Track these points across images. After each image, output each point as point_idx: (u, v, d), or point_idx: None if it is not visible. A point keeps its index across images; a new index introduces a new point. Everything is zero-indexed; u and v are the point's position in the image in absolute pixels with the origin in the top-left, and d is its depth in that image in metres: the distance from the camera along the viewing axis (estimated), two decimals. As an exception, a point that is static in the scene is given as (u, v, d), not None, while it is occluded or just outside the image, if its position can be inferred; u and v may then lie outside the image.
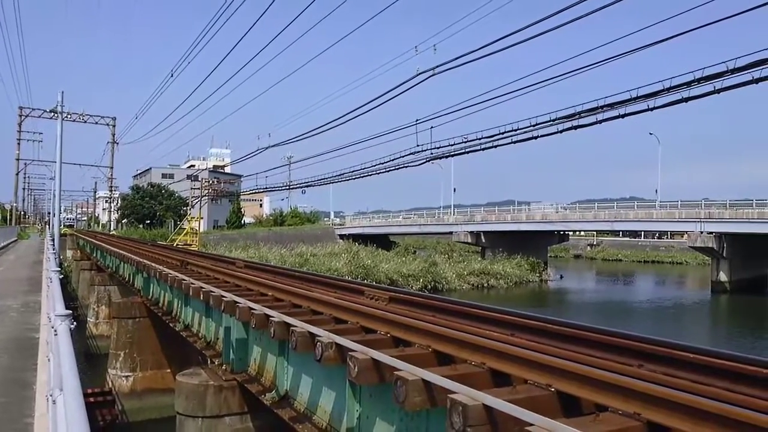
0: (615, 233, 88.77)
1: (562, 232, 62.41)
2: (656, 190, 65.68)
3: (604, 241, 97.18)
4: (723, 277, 45.17)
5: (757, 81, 8.00)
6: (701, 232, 44.23)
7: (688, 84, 9.17)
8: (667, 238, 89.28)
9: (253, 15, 17.93)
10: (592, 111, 11.35)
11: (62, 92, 30.36)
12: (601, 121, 11.22)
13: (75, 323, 5.30)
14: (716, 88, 8.75)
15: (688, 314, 38.89)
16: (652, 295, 49.12)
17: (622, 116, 10.65)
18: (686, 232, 48.12)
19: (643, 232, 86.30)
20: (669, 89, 9.47)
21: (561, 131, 12.48)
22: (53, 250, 23.56)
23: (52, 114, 32.18)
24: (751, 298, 43.54)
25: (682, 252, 78.16)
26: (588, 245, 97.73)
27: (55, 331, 4.84)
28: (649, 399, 3.12)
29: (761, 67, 7.88)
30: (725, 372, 3.62)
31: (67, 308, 6.22)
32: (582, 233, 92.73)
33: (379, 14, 16.45)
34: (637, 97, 10.14)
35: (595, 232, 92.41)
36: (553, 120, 12.52)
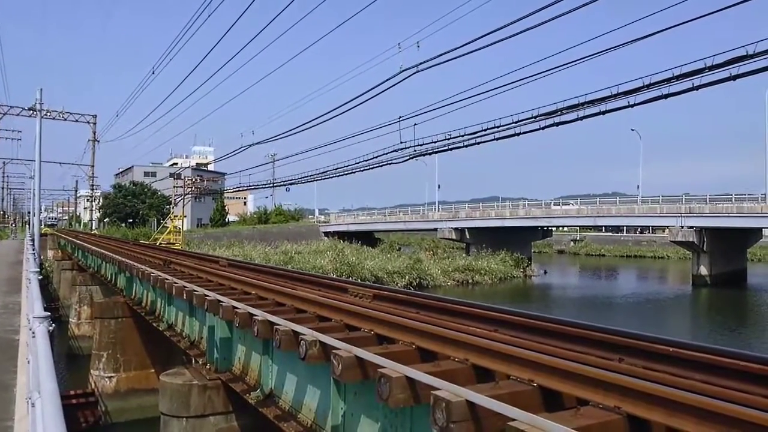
0: (598, 228, 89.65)
1: (545, 228, 62.85)
2: (638, 186, 66.38)
3: (587, 236, 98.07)
4: (703, 271, 45.83)
5: (734, 78, 8.12)
6: (682, 227, 44.82)
7: (668, 81, 9.28)
8: (648, 233, 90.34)
9: (236, 12, 17.79)
10: (573, 108, 11.45)
11: (41, 89, 29.92)
12: (582, 118, 11.32)
13: (54, 325, 5.23)
14: (695, 85, 8.87)
15: (670, 308, 39.40)
16: (634, 290, 49.67)
17: (603, 113, 10.75)
18: (667, 226, 48.74)
19: (625, 228, 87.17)
20: (649, 86, 9.58)
21: (543, 128, 12.57)
22: (33, 250, 23.21)
23: (31, 112, 31.69)
24: (730, 292, 44.24)
25: (663, 247, 79.15)
26: (571, 240, 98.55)
27: (33, 333, 4.78)
28: (629, 392, 3.16)
29: (738, 64, 8.01)
30: (703, 365, 3.68)
31: (48, 309, 6.14)
32: (565, 229, 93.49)
33: (362, 11, 16.39)
34: (618, 94, 10.25)
35: (578, 228, 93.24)
36: (535, 117, 12.61)
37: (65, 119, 58.02)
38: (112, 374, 14.60)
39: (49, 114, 44.80)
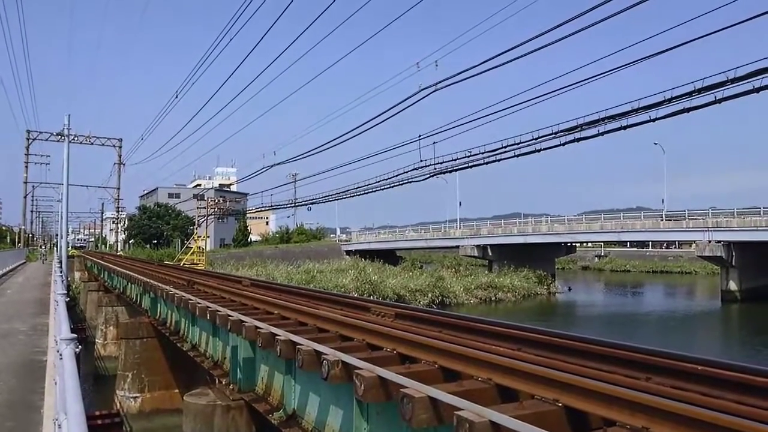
0: (622, 244, 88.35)
1: (569, 244, 62.10)
2: (663, 200, 65.19)
3: (611, 251, 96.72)
4: (733, 286, 44.75)
5: (757, 90, 8.01)
6: (709, 241, 43.91)
7: (690, 94, 9.19)
8: (675, 247, 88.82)
9: (256, 35, 18.14)
10: (594, 123, 11.37)
11: (69, 115, 30.56)
12: (603, 133, 11.24)
13: (81, 346, 5.31)
14: (717, 98, 8.76)
15: (699, 325, 38.49)
16: (662, 306, 48.70)
17: (624, 128, 10.66)
18: (694, 241, 47.78)
19: (650, 243, 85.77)
20: (670, 100, 9.49)
21: (564, 144, 12.50)
22: (60, 272, 23.64)
23: (59, 137, 32.46)
24: (762, 307, 43.03)
25: (690, 262, 77.65)
26: (595, 256, 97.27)
27: (61, 354, 4.86)
28: (657, 412, 3.09)
29: (762, 77, 7.90)
30: (735, 384, 3.59)
31: (74, 330, 6.24)
32: (589, 244, 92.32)
33: (382, 31, 16.59)
34: (639, 109, 10.16)
35: (602, 243, 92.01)
36: (556, 133, 12.55)
37: (92, 143, 59.39)
38: (137, 394, 14.71)
39: (76, 139, 45.90)
